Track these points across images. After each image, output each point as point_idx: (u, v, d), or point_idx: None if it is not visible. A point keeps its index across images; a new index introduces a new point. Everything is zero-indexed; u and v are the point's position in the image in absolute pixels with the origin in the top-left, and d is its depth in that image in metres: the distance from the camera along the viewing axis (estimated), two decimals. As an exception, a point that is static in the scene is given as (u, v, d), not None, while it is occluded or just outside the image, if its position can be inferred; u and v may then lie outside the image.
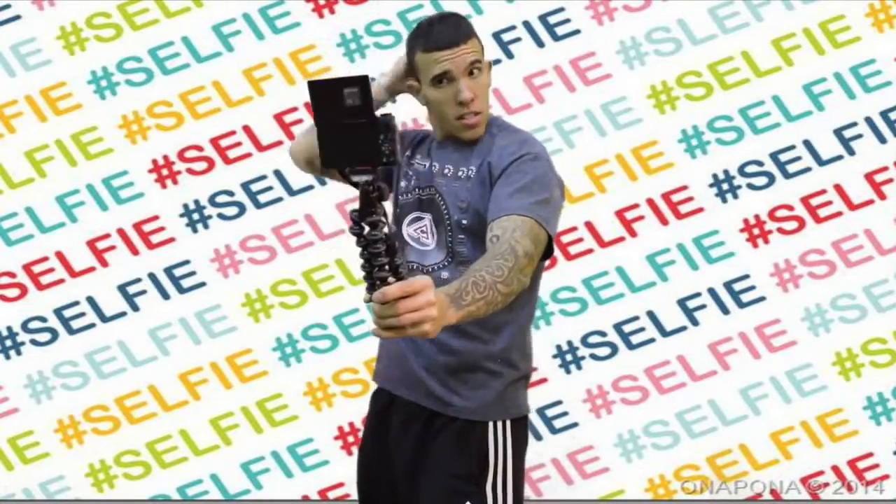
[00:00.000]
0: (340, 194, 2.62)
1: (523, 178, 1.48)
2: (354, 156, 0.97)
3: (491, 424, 1.56)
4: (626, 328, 2.69)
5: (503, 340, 1.56)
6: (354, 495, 1.69)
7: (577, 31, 2.65)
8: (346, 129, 0.96)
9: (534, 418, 2.68)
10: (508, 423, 1.57)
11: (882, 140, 2.64)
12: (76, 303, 2.69)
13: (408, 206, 1.62)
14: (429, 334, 1.10)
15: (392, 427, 1.61)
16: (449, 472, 1.54)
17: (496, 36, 2.65)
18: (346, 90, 0.94)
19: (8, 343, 2.70)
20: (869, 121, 2.64)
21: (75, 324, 2.70)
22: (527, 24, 2.65)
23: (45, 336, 2.70)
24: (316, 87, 0.95)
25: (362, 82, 0.94)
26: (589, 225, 2.67)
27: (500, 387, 1.56)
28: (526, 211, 1.41)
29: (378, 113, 0.98)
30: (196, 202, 2.69)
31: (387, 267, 1.04)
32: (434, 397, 1.56)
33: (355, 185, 1.01)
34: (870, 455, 2.67)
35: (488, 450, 1.55)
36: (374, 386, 1.68)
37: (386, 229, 1.02)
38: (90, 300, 2.69)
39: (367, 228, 1.02)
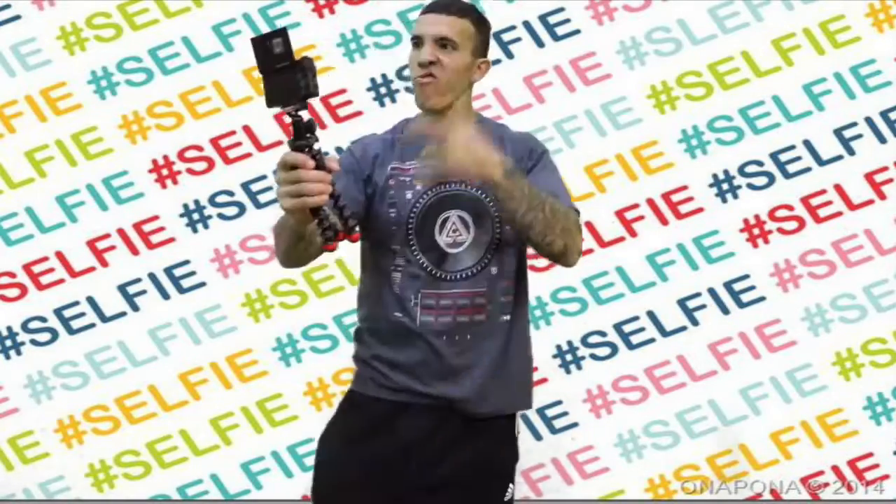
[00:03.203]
0: (340, 194, 2.62)
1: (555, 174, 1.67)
2: (285, 94, 1.15)
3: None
4: (626, 328, 2.69)
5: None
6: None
7: (577, 31, 2.66)
8: (277, 73, 1.14)
9: (534, 418, 2.68)
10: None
11: (882, 140, 2.64)
12: (76, 303, 2.69)
13: (431, 211, 1.57)
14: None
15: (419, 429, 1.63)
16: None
17: (496, 36, 2.65)
18: (274, 41, 1.13)
19: (8, 343, 2.70)
20: (869, 121, 2.64)
21: (75, 324, 2.70)
22: (527, 24, 2.66)
23: (45, 336, 2.70)
24: (254, 43, 1.15)
25: (284, 34, 1.14)
26: (589, 225, 2.67)
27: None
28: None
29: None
30: (196, 202, 2.69)
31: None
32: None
33: (290, 116, 1.17)
34: (870, 455, 2.67)
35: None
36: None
37: (318, 150, 1.17)
38: (90, 300, 2.69)
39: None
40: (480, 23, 1.60)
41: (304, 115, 1.17)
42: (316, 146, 1.17)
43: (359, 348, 1.67)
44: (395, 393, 1.60)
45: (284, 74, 1.14)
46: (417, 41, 1.57)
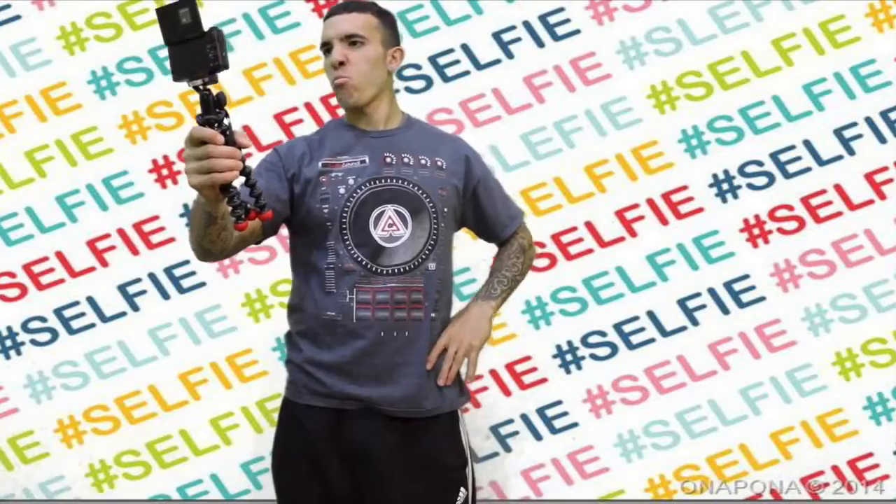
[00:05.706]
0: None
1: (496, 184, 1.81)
2: (193, 66, 1.09)
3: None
4: (626, 328, 2.69)
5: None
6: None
7: (577, 31, 2.66)
8: (184, 44, 1.10)
9: (534, 418, 2.68)
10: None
11: (882, 140, 2.64)
12: (76, 303, 2.70)
13: (365, 205, 1.57)
14: None
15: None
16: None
17: (496, 36, 2.65)
18: (180, 11, 1.10)
19: (8, 343, 2.70)
20: (869, 121, 2.64)
21: (75, 324, 2.70)
22: (527, 24, 2.66)
23: (45, 336, 2.70)
24: (159, 13, 1.11)
25: (191, 3, 1.10)
26: (589, 225, 2.67)
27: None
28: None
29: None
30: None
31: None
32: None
33: (197, 90, 1.12)
34: (870, 455, 2.67)
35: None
36: None
37: (228, 125, 1.13)
38: (90, 300, 2.70)
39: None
40: (382, 14, 1.63)
41: (214, 89, 1.12)
42: (226, 121, 1.12)
43: (291, 352, 1.65)
44: (329, 399, 1.58)
45: (193, 45, 1.09)
46: (327, 47, 1.59)
